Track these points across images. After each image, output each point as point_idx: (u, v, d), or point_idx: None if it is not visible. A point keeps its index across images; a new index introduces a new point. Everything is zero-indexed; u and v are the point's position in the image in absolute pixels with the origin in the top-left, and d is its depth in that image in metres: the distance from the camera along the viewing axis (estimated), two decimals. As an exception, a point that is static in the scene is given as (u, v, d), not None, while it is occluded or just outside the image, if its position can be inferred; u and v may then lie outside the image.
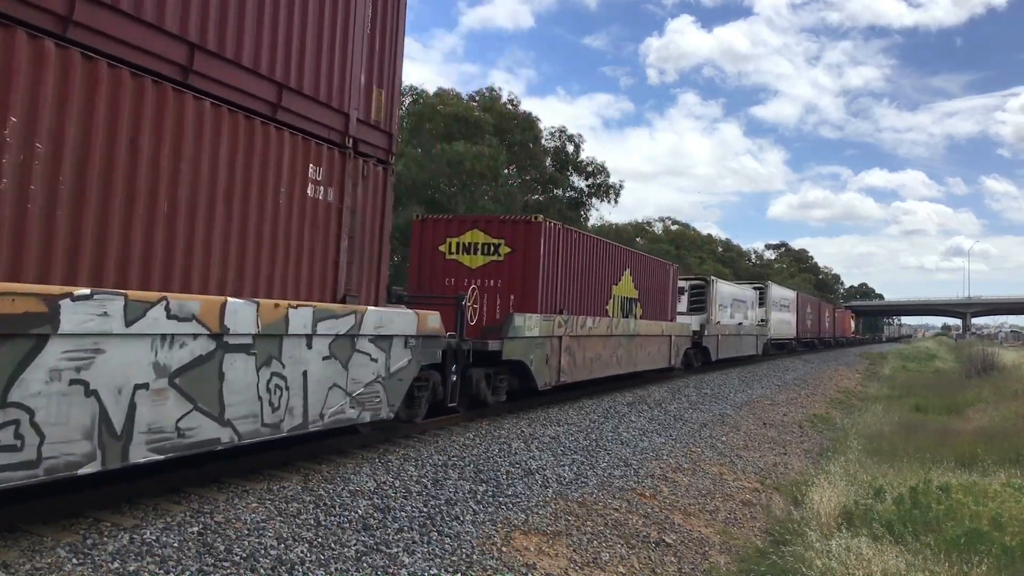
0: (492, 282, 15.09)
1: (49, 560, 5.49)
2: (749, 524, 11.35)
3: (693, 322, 28.38)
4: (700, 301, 30.06)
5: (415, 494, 8.41)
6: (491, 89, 45.88)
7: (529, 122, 45.39)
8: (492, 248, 15.13)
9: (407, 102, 42.78)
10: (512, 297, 14.96)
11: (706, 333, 28.92)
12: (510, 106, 45.50)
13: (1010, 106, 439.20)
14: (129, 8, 6.57)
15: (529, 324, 14.21)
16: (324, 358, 8.29)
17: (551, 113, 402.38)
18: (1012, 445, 16.40)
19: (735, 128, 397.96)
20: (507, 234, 15.15)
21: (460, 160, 36.36)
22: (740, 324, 34.89)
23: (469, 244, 15.28)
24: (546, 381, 15.16)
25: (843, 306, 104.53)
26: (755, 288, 41.13)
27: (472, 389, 12.95)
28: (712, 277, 31.91)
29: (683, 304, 28.90)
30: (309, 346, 8.03)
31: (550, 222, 15.55)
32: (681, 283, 28.85)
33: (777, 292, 46.09)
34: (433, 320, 10.56)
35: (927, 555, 9.23)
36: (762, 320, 40.77)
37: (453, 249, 15.37)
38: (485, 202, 36.90)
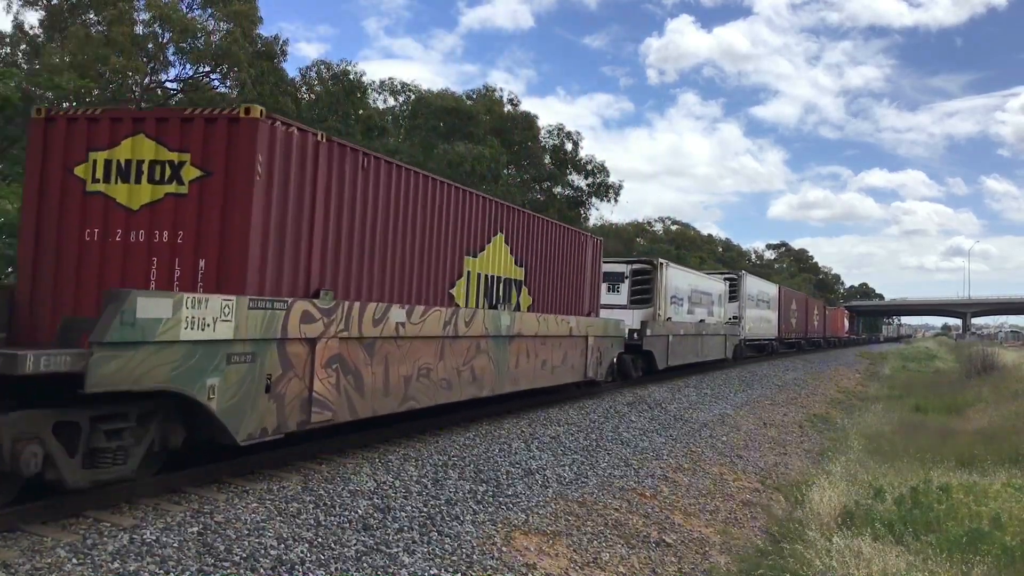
0: (167, 235, 8.05)
1: (49, 560, 5.49)
2: (749, 524, 11.36)
3: (632, 318, 21.62)
4: (647, 291, 23.17)
5: (415, 494, 8.41)
6: (488, 88, 46.26)
7: (528, 120, 45.61)
8: (168, 171, 8.11)
9: (400, 100, 43.14)
10: (203, 263, 7.97)
11: (648, 333, 21.75)
12: (510, 107, 45.77)
13: (1010, 106, 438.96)
14: None
15: (193, 315, 7.02)
16: None
17: (551, 113, 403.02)
18: (1012, 445, 16.42)
19: (735, 128, 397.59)
20: (196, 144, 8.07)
21: (461, 161, 36.51)
22: (702, 322, 28.03)
23: (127, 164, 8.20)
24: (260, 426, 7.87)
25: (842, 305, 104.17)
26: (726, 279, 34.14)
27: (6, 460, 5.96)
28: (661, 260, 24.39)
29: (622, 295, 22.84)
30: None
31: (282, 122, 8.40)
32: (620, 267, 23.05)
33: (754, 285, 38.81)
34: None
35: (928, 555, 9.24)
36: (734, 317, 34.28)
37: (99, 173, 8.25)
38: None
